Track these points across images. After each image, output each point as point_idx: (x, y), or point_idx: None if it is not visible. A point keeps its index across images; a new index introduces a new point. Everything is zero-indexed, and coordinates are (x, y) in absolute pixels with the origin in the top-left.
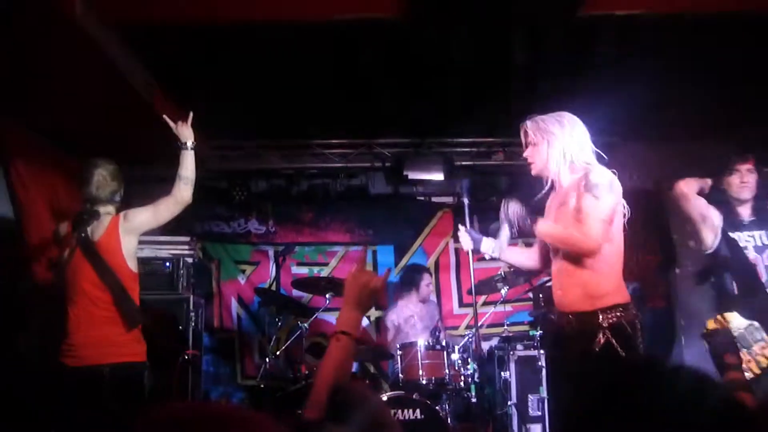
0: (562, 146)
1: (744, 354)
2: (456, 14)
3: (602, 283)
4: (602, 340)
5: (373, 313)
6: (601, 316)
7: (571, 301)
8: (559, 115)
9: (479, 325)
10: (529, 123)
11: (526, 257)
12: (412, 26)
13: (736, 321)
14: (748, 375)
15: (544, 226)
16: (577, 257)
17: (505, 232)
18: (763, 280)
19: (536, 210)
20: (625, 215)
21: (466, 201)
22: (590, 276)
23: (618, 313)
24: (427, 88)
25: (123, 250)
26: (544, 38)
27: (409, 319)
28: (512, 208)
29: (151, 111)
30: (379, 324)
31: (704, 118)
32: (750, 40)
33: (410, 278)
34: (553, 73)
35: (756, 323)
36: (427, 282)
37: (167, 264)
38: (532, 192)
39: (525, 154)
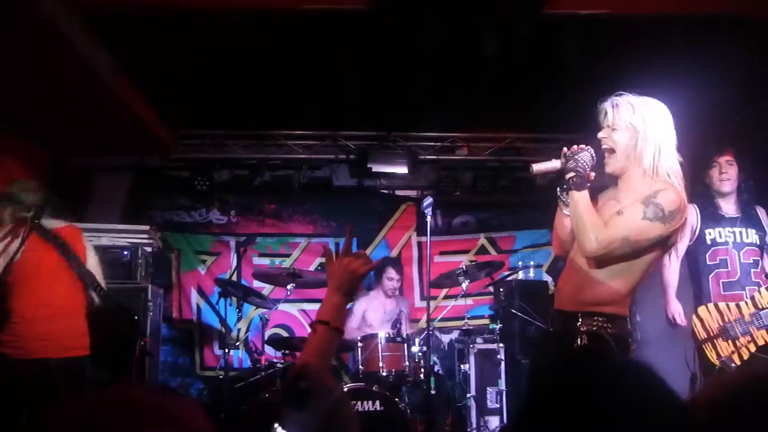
0: (656, 144)
1: (729, 344)
2: (422, 7)
3: (600, 291)
4: (579, 345)
5: None
6: (580, 320)
7: (564, 297)
8: (656, 105)
9: (439, 317)
10: (619, 101)
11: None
12: (379, 18)
13: (729, 311)
14: (732, 365)
15: (580, 197)
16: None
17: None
18: (737, 276)
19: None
20: (670, 252)
21: (429, 220)
22: (593, 279)
23: (599, 322)
24: (392, 81)
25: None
26: (509, 34)
27: (377, 310)
28: (583, 156)
29: (115, 98)
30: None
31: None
32: (712, 39)
33: (378, 270)
34: (519, 69)
35: (746, 318)
36: (389, 275)
37: (125, 253)
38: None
39: (601, 136)
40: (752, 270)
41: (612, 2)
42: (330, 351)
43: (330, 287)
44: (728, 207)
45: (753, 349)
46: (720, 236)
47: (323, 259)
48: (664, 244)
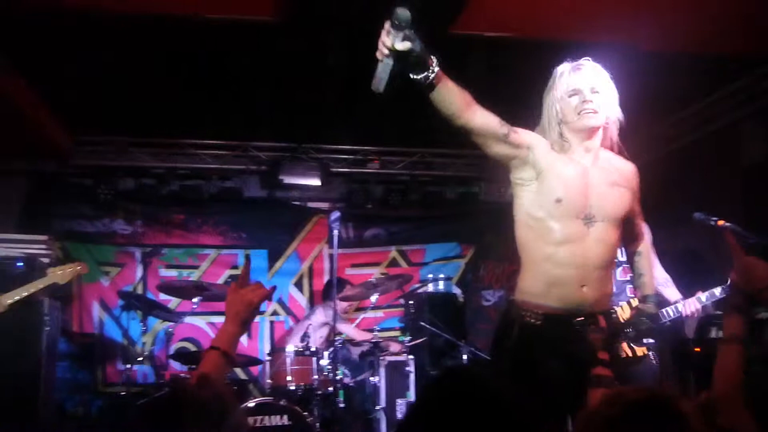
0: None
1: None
2: (330, 20)
3: (611, 284)
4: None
5: (269, 317)
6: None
7: (596, 299)
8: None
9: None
10: (593, 64)
11: None
12: (290, 30)
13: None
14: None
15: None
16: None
17: None
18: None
19: None
20: None
21: (336, 234)
22: (609, 276)
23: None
24: (305, 93)
25: None
26: None
27: (323, 330)
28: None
29: (3, 96)
30: (273, 327)
31: None
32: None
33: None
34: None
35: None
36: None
37: (20, 264)
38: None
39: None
40: (627, 286)
41: (517, 26)
42: (222, 375)
43: (227, 316)
44: None
45: None
46: None
47: (233, 272)
48: None
